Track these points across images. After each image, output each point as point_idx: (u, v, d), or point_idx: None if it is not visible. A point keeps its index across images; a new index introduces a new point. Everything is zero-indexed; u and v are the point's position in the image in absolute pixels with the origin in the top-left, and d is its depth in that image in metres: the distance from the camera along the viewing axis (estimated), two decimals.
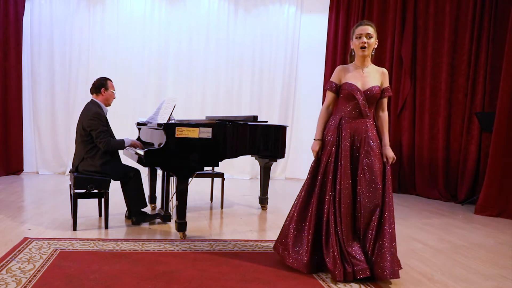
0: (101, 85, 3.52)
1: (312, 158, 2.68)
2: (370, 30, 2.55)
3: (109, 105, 3.60)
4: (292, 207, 2.69)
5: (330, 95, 2.70)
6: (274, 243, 2.78)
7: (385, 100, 2.68)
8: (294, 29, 7.03)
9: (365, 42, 2.53)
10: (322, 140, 2.65)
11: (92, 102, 3.52)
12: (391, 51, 6.14)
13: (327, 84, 2.71)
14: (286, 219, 2.70)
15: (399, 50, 6.09)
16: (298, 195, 2.68)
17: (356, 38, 2.57)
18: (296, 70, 7.10)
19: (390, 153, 2.58)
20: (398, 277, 2.39)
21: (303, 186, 2.67)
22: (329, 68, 6.77)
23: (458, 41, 5.68)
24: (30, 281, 2.23)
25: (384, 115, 2.68)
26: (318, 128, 2.70)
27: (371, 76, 2.60)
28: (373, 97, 2.58)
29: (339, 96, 2.67)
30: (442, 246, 3.38)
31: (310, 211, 2.58)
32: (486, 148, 5.24)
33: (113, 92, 3.59)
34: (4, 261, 2.51)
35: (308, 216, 2.59)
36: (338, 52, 6.68)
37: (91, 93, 3.56)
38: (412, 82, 6.05)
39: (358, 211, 2.51)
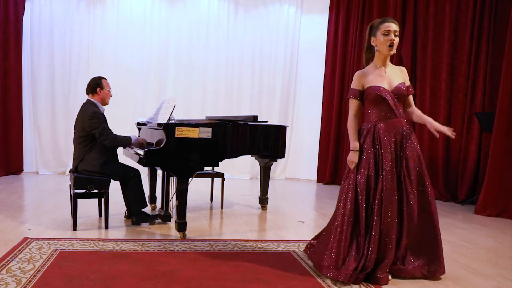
0: (96, 85, 3.49)
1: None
2: (396, 27, 2.46)
3: (106, 104, 3.58)
4: (336, 224, 2.51)
5: (355, 103, 2.57)
6: (317, 263, 2.57)
7: (411, 97, 2.62)
8: (294, 29, 7.03)
9: (393, 40, 2.44)
10: (360, 150, 2.52)
11: (88, 102, 3.50)
12: None
13: (350, 92, 2.59)
14: (333, 240, 2.49)
15: (399, 50, 6.08)
16: (341, 213, 2.49)
17: (383, 34, 2.44)
18: (296, 70, 7.10)
19: (437, 126, 2.46)
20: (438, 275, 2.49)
21: (344, 202, 2.49)
22: (329, 68, 6.78)
23: (458, 41, 5.68)
24: (30, 281, 2.23)
25: (415, 108, 2.63)
26: (353, 138, 2.55)
27: (394, 75, 2.54)
28: (401, 95, 2.51)
29: (364, 101, 2.57)
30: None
31: (360, 225, 2.44)
32: (486, 148, 5.23)
33: (109, 90, 3.56)
34: (4, 261, 2.51)
35: (360, 231, 2.44)
36: (338, 52, 6.69)
37: (87, 93, 3.53)
38: (412, 82, 6.03)
39: (404, 215, 2.45)
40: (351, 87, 2.60)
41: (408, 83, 2.60)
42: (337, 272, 2.41)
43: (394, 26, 2.45)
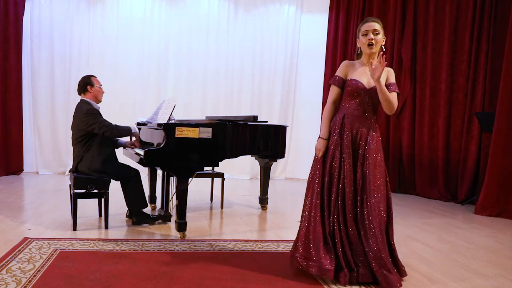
0: (86, 84, 3.49)
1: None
2: (377, 26, 2.48)
3: (100, 101, 3.57)
4: (305, 213, 2.53)
5: (335, 89, 2.58)
6: (292, 255, 2.57)
7: (394, 94, 2.53)
8: (294, 29, 7.03)
9: (372, 39, 2.46)
10: (328, 139, 2.54)
11: (82, 101, 3.49)
12: (391, 51, 6.14)
13: (333, 78, 2.61)
14: (302, 227, 2.52)
15: (399, 50, 6.09)
16: (309, 200, 2.51)
17: (363, 35, 2.49)
18: (296, 70, 7.10)
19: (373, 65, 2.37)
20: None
21: (312, 189, 2.51)
22: (329, 68, 6.78)
23: (458, 41, 5.68)
24: (30, 281, 2.23)
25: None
26: (323, 125, 2.57)
27: None
28: (376, 96, 2.50)
29: (343, 91, 2.58)
30: (442, 246, 3.38)
31: (326, 214, 2.47)
32: (486, 148, 5.24)
33: (100, 87, 3.55)
34: (4, 261, 2.51)
35: (326, 219, 2.47)
36: (338, 52, 6.69)
37: (79, 93, 3.53)
38: (412, 82, 6.04)
39: (358, 216, 2.44)
40: (336, 73, 2.62)
41: (391, 81, 2.54)
42: (308, 262, 2.43)
43: (373, 25, 2.47)
